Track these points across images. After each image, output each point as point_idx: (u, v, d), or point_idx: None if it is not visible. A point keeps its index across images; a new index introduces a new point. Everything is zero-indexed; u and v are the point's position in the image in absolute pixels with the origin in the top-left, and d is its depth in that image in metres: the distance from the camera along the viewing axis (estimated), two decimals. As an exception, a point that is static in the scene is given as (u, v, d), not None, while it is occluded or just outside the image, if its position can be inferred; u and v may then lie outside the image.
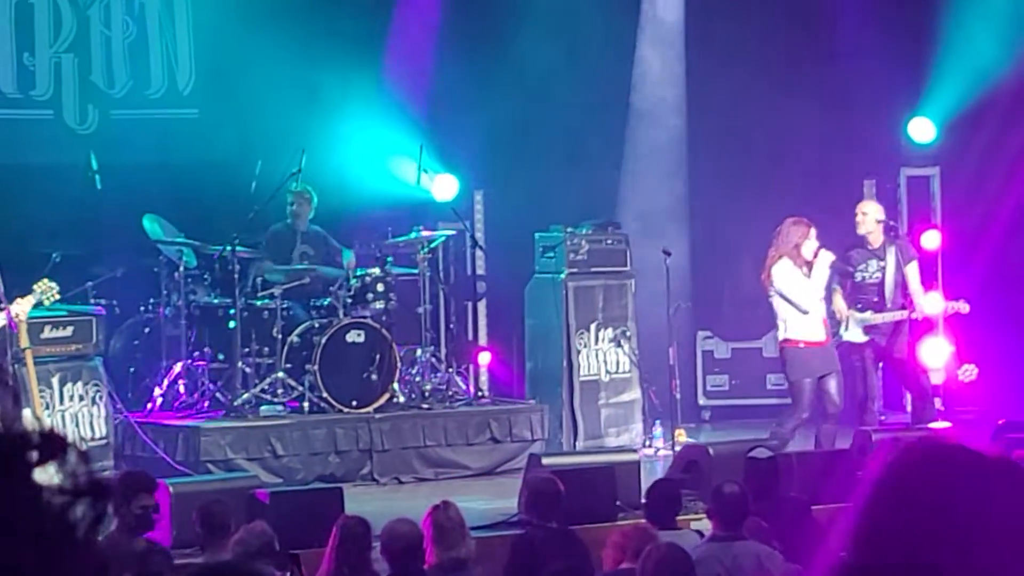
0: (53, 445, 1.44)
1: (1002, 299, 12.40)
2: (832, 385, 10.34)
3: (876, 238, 10.80)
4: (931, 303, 10.97)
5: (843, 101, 12.79)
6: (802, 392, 10.30)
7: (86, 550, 1.44)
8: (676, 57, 13.69)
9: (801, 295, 10.27)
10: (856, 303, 10.73)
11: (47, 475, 1.45)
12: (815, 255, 10.26)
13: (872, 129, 12.72)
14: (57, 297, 9.58)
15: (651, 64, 13.57)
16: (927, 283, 11.14)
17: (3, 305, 9.29)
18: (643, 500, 8.14)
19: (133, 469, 8.35)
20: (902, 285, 10.76)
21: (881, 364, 11.01)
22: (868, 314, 10.69)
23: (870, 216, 10.85)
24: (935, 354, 11.88)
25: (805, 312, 10.28)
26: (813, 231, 10.29)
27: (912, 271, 10.88)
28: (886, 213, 11.93)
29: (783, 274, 10.27)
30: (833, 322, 10.61)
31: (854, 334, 10.71)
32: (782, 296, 10.29)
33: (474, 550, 6.74)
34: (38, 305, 9.52)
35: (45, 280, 9.51)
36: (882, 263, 10.79)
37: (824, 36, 12.89)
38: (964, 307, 10.94)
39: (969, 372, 12.10)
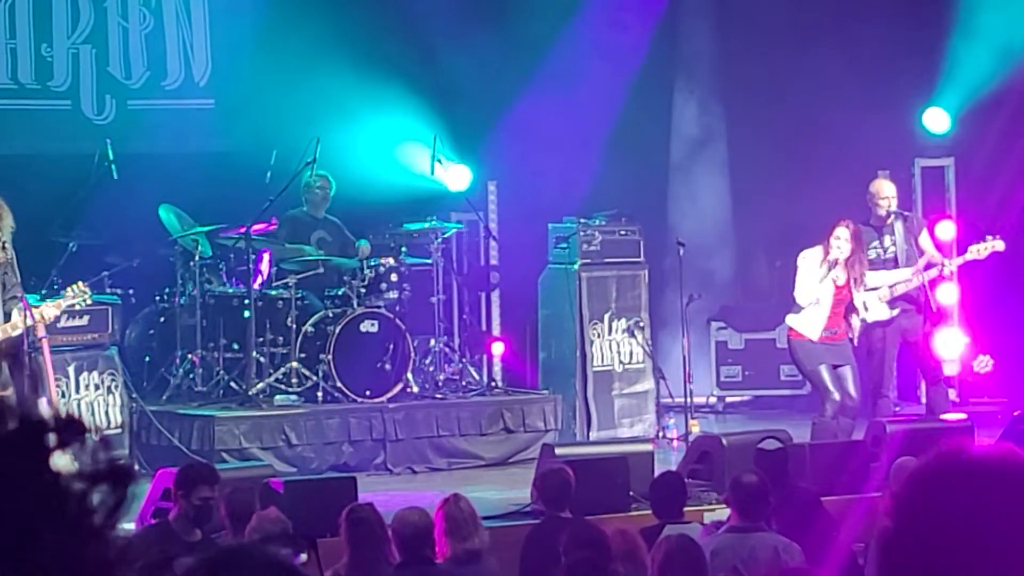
0: (71, 430, 1.46)
1: (1017, 290, 12.36)
2: (848, 378, 10.30)
3: (888, 217, 10.79)
4: (955, 261, 10.82)
5: (857, 91, 12.76)
6: (822, 379, 10.27)
7: (104, 536, 1.46)
8: (697, 49, 13.68)
9: (799, 285, 10.28)
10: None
11: (64, 461, 1.47)
12: (826, 253, 10.21)
13: (886, 119, 12.69)
14: (89, 301, 9.59)
15: (671, 56, 13.57)
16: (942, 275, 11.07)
17: (20, 295, 9.32)
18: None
19: (195, 461, 8.32)
20: (914, 257, 10.71)
21: (896, 346, 10.87)
22: (885, 288, 10.58)
23: (893, 199, 10.82)
24: (950, 345, 11.85)
25: (798, 303, 10.27)
26: (840, 228, 10.21)
27: (925, 239, 10.84)
28: (900, 205, 11.91)
29: (805, 260, 10.31)
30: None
31: (878, 312, 10.61)
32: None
33: (488, 541, 6.75)
34: (70, 308, 9.52)
35: (79, 284, 9.52)
36: (894, 238, 10.76)
37: (838, 26, 12.86)
38: (999, 244, 10.77)
39: (984, 363, 12.07)
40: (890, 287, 10.61)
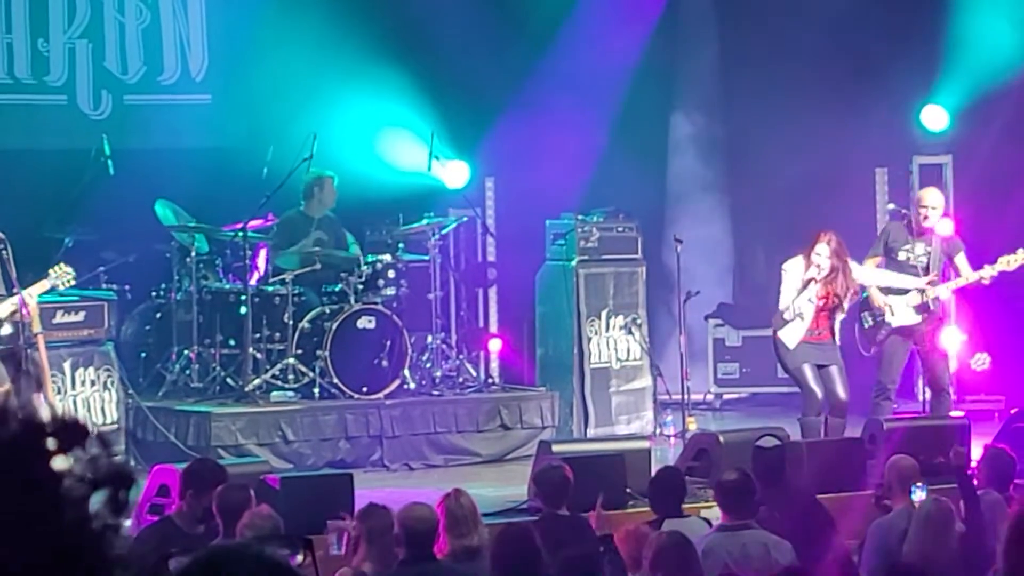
0: (72, 434, 1.45)
1: (1014, 288, 12.37)
2: (835, 378, 10.24)
3: (932, 225, 10.65)
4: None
5: (855, 89, 12.76)
6: (805, 377, 10.23)
7: (105, 539, 1.45)
8: (696, 48, 13.68)
9: (784, 293, 10.24)
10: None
11: (65, 464, 1.46)
12: (807, 266, 10.15)
13: (884, 117, 12.69)
14: (72, 282, 9.61)
15: (671, 53, 13.56)
16: (943, 273, 10.98)
17: (16, 290, 9.31)
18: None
19: (207, 461, 8.24)
20: (943, 272, 10.62)
21: (908, 350, 10.79)
22: (915, 294, 10.48)
23: (939, 210, 10.64)
24: (947, 343, 11.84)
25: (781, 309, 10.21)
26: (821, 244, 10.11)
27: (962, 260, 10.64)
28: (898, 202, 11.90)
29: (787, 271, 10.26)
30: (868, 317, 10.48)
31: (904, 316, 10.53)
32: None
33: (487, 538, 6.74)
34: (52, 290, 9.55)
35: (60, 265, 9.54)
36: (929, 248, 10.64)
37: (837, 24, 12.85)
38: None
39: (981, 361, 12.07)
40: (920, 292, 10.50)
